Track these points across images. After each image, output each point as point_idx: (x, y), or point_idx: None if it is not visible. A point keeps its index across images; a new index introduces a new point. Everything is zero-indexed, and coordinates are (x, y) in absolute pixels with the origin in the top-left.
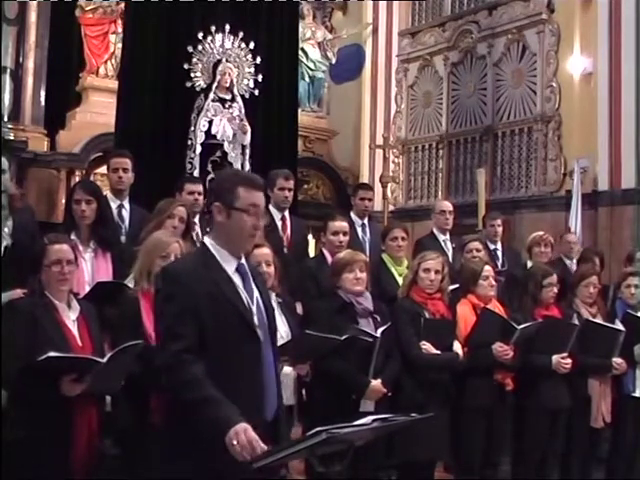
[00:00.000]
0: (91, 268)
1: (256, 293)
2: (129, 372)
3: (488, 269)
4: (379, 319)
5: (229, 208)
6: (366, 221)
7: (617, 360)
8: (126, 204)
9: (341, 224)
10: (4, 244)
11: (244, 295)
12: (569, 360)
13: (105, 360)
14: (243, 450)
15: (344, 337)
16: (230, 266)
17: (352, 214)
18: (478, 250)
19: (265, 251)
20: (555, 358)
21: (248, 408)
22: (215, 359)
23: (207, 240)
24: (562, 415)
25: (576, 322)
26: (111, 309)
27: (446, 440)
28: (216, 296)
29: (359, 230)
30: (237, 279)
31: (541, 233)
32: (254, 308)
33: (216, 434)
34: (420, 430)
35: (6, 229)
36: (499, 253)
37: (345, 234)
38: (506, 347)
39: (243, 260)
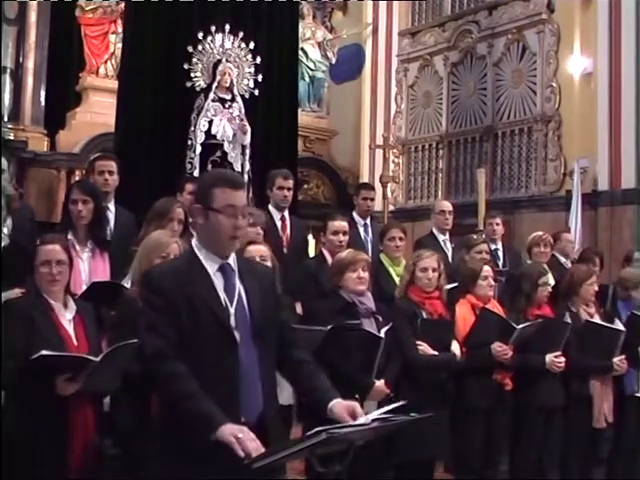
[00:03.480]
0: (88, 268)
1: (241, 292)
2: (128, 372)
3: (487, 269)
4: (381, 319)
5: (206, 209)
6: (368, 221)
7: (617, 360)
8: (111, 206)
9: (341, 224)
10: (3, 244)
11: (222, 295)
12: (562, 359)
13: (99, 359)
14: (249, 443)
15: (329, 327)
16: (212, 266)
17: (354, 214)
18: (487, 252)
19: (260, 247)
20: (549, 357)
21: (221, 409)
22: (190, 360)
23: (193, 242)
24: (557, 414)
25: (569, 321)
26: (107, 309)
27: (446, 439)
28: (193, 297)
29: (361, 230)
30: (218, 279)
31: (540, 233)
32: (232, 309)
33: (199, 430)
34: (419, 429)
35: (5, 229)
36: (500, 253)
37: (345, 234)
38: (505, 347)
39: (230, 260)
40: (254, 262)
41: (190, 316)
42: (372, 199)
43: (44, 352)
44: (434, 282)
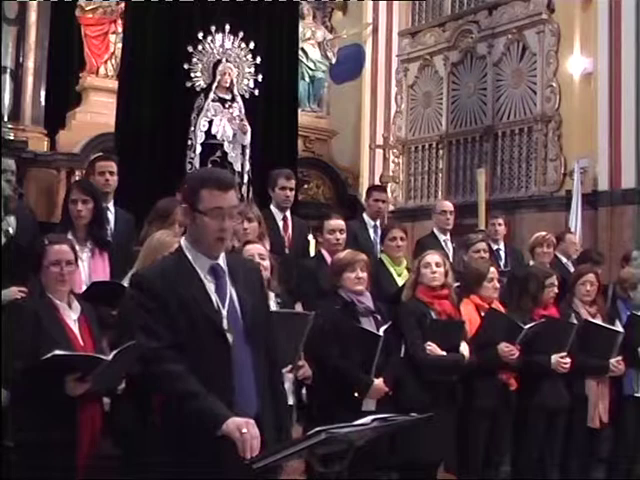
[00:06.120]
0: (88, 268)
1: (232, 294)
2: (130, 372)
3: (493, 271)
4: (379, 318)
5: (193, 210)
6: (378, 223)
7: (614, 361)
8: (111, 207)
9: (337, 222)
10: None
11: (214, 297)
12: (568, 359)
13: (110, 358)
14: (251, 441)
15: (314, 312)
16: (203, 267)
17: (365, 215)
18: (485, 251)
19: (257, 246)
20: (554, 357)
21: None
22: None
23: (182, 241)
24: (561, 415)
25: (574, 321)
26: (107, 309)
27: (451, 442)
28: (185, 299)
29: (371, 231)
30: (210, 281)
31: (543, 233)
32: (224, 311)
33: (204, 428)
34: (424, 431)
35: (10, 229)
36: (502, 253)
37: (342, 232)
38: (512, 347)
39: (220, 260)
40: (241, 258)
41: (183, 318)
42: (384, 201)
43: (57, 352)
44: (440, 277)
